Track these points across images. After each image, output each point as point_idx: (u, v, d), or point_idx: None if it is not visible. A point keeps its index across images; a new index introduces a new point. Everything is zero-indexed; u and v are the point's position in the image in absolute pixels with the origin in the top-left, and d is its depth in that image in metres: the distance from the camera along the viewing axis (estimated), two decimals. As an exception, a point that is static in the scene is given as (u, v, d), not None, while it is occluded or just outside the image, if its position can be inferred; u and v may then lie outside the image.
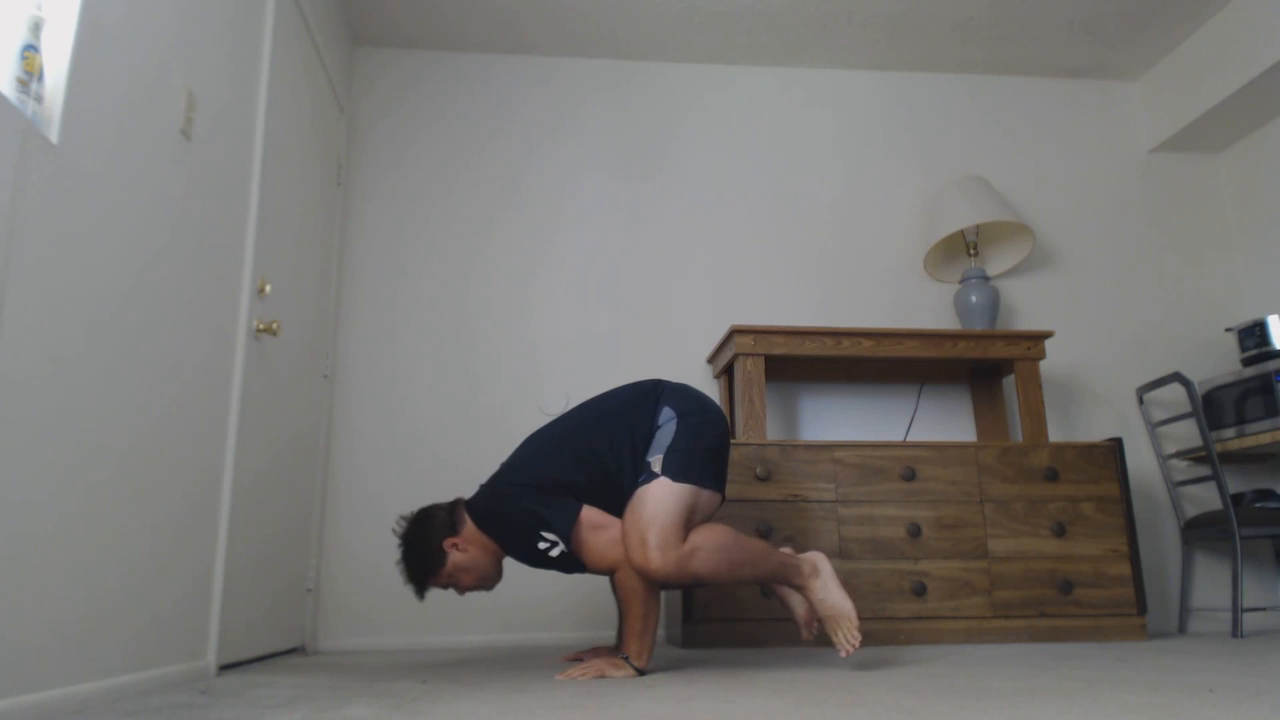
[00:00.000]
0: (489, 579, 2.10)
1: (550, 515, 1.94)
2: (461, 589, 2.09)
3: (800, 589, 2.00)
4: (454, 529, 2.04)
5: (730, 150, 3.70)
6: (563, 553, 1.96)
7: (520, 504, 1.97)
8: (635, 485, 1.95)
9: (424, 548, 2.03)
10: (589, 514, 1.96)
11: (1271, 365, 3.15)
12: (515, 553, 2.03)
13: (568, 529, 1.93)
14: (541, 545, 1.95)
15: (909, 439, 3.33)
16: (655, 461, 1.95)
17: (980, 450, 2.91)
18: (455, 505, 2.09)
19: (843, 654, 1.91)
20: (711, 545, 1.88)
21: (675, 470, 1.93)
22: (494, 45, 3.65)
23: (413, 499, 3.18)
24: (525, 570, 3.13)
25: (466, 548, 2.04)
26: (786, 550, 2.03)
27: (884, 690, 1.53)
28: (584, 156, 3.62)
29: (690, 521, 1.92)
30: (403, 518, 2.11)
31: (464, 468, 3.22)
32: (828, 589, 1.97)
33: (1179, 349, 3.65)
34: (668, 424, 2.00)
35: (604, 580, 3.10)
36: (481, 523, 2.04)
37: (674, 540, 1.86)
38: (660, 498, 1.89)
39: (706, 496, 1.97)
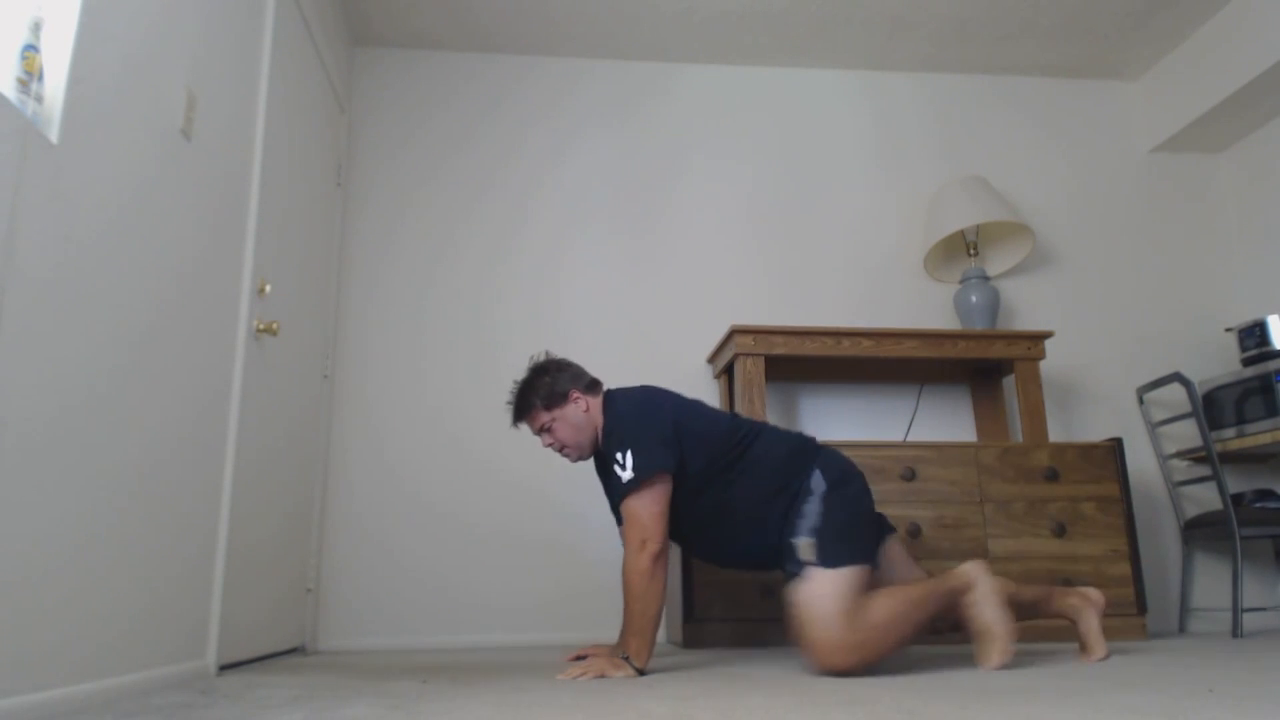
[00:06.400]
0: (583, 450, 2.12)
1: (643, 447, 1.93)
2: (555, 441, 2.11)
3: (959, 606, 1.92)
4: (588, 387, 2.11)
5: (730, 150, 3.70)
6: (619, 480, 1.93)
7: (639, 419, 1.99)
8: (779, 547, 1.95)
9: (553, 380, 2.09)
10: (658, 489, 1.93)
11: (1271, 365, 3.15)
12: (604, 444, 2.05)
13: (644, 471, 1.91)
14: (619, 457, 1.94)
15: (909, 439, 3.33)
16: (803, 547, 1.89)
17: (980, 450, 2.90)
18: (597, 380, 2.16)
19: (984, 669, 1.83)
20: (880, 625, 1.79)
21: (829, 556, 1.85)
22: (494, 45, 3.65)
23: (413, 499, 3.18)
24: (525, 567, 3.14)
25: (586, 409, 2.09)
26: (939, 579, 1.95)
27: (884, 690, 1.53)
28: (583, 155, 3.62)
29: (856, 603, 1.81)
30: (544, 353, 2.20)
31: (465, 467, 3.22)
32: (980, 606, 1.88)
33: (1179, 349, 3.65)
34: (817, 492, 1.96)
35: (604, 580, 3.10)
36: (606, 404, 2.09)
37: (844, 636, 1.76)
38: (820, 598, 1.80)
39: (862, 572, 1.88)
